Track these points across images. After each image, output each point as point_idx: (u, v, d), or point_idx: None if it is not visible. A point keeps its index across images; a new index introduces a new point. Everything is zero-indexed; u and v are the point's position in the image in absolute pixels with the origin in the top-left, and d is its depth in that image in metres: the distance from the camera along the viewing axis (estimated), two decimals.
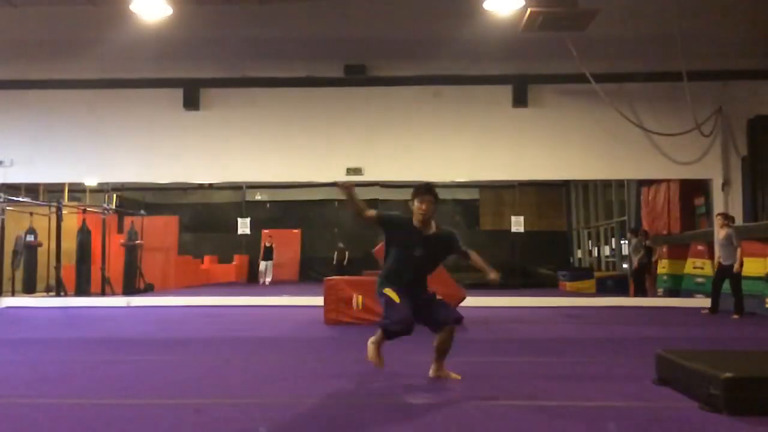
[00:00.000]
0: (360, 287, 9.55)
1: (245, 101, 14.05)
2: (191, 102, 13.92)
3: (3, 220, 13.99)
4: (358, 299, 9.40)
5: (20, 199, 15.93)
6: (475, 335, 8.21)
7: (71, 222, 15.74)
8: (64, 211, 15.25)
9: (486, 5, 11.42)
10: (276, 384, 5.15)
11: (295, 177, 14.91)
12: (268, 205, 25.91)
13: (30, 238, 15.18)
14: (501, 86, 13.70)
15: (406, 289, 5.03)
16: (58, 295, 14.44)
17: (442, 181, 17.93)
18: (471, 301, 10.58)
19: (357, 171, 13.78)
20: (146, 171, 14.30)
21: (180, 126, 14.01)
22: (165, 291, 17.05)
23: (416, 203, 5.12)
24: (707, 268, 13.06)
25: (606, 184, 20.47)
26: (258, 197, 25.37)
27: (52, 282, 15.19)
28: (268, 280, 20.85)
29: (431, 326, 5.09)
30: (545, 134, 13.67)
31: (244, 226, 17.02)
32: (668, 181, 15.76)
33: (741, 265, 10.51)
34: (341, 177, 13.99)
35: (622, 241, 19.32)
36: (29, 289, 15.18)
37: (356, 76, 13.75)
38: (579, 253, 24.27)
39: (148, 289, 16.60)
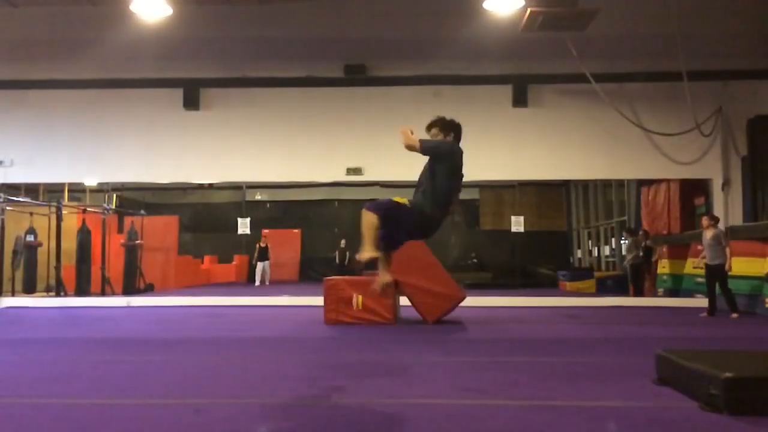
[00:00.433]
0: (360, 287, 9.55)
1: (245, 101, 14.05)
2: (191, 102, 13.93)
3: (3, 220, 13.98)
4: (358, 299, 9.40)
5: (20, 199, 15.92)
6: (475, 335, 8.21)
7: (71, 222, 15.74)
8: (64, 211, 15.25)
9: (486, 5, 11.42)
10: (276, 384, 5.15)
11: (295, 177, 14.92)
12: (268, 205, 25.91)
13: (30, 238, 15.17)
14: (501, 86, 13.71)
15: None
16: (58, 295, 14.44)
17: None
18: (471, 301, 10.57)
19: (357, 171, 13.79)
20: (146, 171, 14.30)
21: (180, 126, 14.01)
22: (165, 291, 17.05)
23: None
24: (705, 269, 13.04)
25: (606, 183, 20.46)
26: (258, 197, 25.36)
27: (52, 282, 15.19)
28: (267, 281, 20.78)
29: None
30: (545, 134, 13.67)
31: (244, 226, 17.02)
32: (668, 180, 15.76)
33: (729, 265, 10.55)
34: (341, 177, 14.03)
35: (622, 241, 19.32)
36: (29, 289, 15.17)
37: (356, 76, 13.76)
38: (579, 253, 24.27)
39: (148, 289, 16.60)
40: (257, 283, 20.64)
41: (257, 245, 20.84)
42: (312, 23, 13.56)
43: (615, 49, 13.12)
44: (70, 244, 15.19)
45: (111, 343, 7.72)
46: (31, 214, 15.47)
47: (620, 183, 19.31)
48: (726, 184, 13.44)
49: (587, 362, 6.15)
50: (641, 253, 14.82)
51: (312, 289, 14.66)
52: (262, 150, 13.96)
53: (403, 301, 10.21)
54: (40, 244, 15.36)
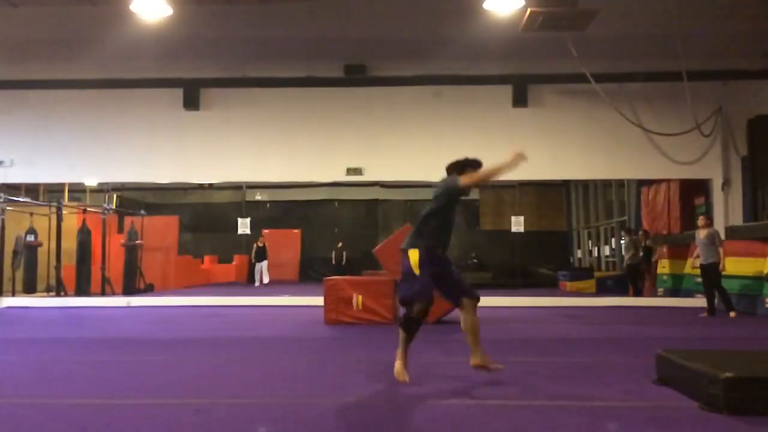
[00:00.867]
0: (360, 287, 9.56)
1: (245, 101, 14.05)
2: (191, 102, 13.93)
3: (3, 220, 13.99)
4: (358, 299, 9.41)
5: (20, 199, 15.93)
6: None
7: (71, 222, 15.75)
8: (64, 211, 15.26)
9: (486, 5, 11.42)
10: (276, 384, 5.15)
11: (296, 177, 14.93)
12: (268, 205, 25.91)
13: (30, 238, 15.18)
14: (501, 86, 13.71)
15: (436, 246, 5.15)
16: (58, 295, 14.45)
17: None
18: None
19: (357, 171, 13.79)
20: (146, 171, 14.30)
21: (180, 126, 14.01)
22: (165, 291, 17.06)
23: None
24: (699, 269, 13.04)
25: (606, 183, 20.47)
26: (258, 197, 25.36)
27: (53, 282, 15.20)
28: (266, 280, 20.75)
29: (453, 297, 5.17)
30: (545, 134, 13.67)
31: (244, 226, 17.02)
32: (668, 180, 15.76)
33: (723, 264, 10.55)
34: (341, 177, 14.03)
35: (622, 241, 19.32)
36: (29, 289, 15.18)
37: (356, 76, 13.76)
38: (579, 253, 24.27)
39: (148, 289, 16.60)
40: (257, 283, 20.62)
41: (255, 245, 20.82)
42: (312, 23, 13.56)
43: (615, 49, 13.12)
44: (70, 244, 15.20)
45: (111, 343, 7.72)
46: (32, 214, 15.49)
47: (620, 183, 19.31)
48: (726, 184, 13.44)
49: (587, 362, 6.15)
50: (640, 253, 14.82)
51: (312, 289, 14.67)
52: (262, 150, 13.96)
53: None
54: (41, 244, 15.36)
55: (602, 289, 16.73)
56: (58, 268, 14.68)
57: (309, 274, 24.12)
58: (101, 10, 13.00)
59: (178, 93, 13.95)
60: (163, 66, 13.86)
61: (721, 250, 10.54)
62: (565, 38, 12.03)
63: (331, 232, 24.96)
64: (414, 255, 5.06)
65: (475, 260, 23.46)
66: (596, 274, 18.58)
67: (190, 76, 13.90)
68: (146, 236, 17.23)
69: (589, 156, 13.73)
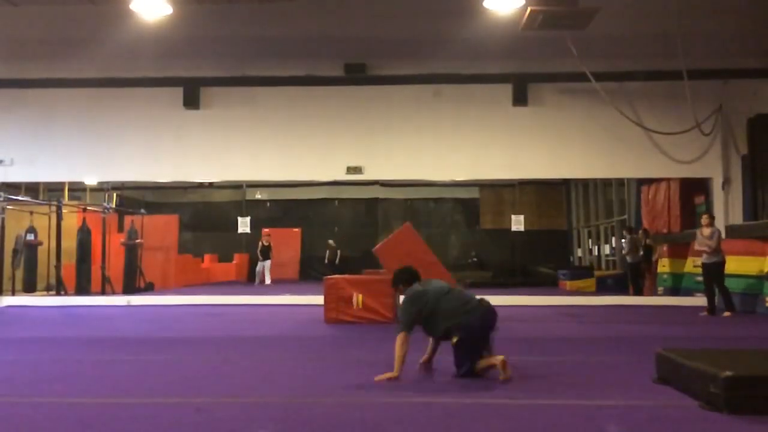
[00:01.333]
0: (360, 286, 9.55)
1: (245, 100, 14.05)
2: (191, 101, 13.92)
3: (3, 219, 13.99)
4: (358, 298, 9.41)
5: (20, 198, 15.93)
6: None
7: (71, 221, 15.73)
8: (64, 210, 15.25)
9: (486, 4, 11.40)
10: (276, 384, 5.15)
11: (296, 176, 14.93)
12: (268, 204, 25.89)
13: (30, 237, 15.17)
14: (501, 85, 13.70)
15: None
16: (58, 294, 14.45)
17: (442, 181, 18.02)
18: None
19: (357, 170, 13.79)
20: (146, 170, 14.30)
21: (180, 125, 14.01)
22: (165, 290, 17.05)
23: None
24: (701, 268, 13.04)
25: (606, 182, 20.46)
26: (258, 196, 25.35)
27: (53, 281, 15.19)
28: (267, 281, 20.72)
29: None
30: (545, 133, 13.67)
31: (244, 225, 17.02)
32: (668, 179, 15.75)
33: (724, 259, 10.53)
34: (341, 176, 14.03)
35: (622, 240, 19.33)
36: (29, 288, 15.17)
37: (356, 75, 13.75)
38: (579, 252, 24.27)
39: (148, 288, 16.60)
40: (257, 282, 20.61)
41: (260, 243, 20.80)
42: (312, 22, 13.56)
43: (615, 48, 13.11)
44: (70, 243, 15.19)
45: (111, 343, 7.72)
46: (32, 213, 15.47)
47: (620, 182, 19.31)
48: (726, 182, 13.44)
49: (587, 362, 6.15)
50: (641, 252, 14.82)
51: (312, 288, 14.66)
52: (263, 149, 13.96)
53: None
54: (41, 243, 15.36)
55: (602, 288, 16.73)
56: (58, 267, 14.68)
57: (309, 273, 24.11)
58: (101, 9, 12.99)
59: (178, 92, 13.94)
60: (163, 65, 13.86)
61: (713, 246, 10.51)
62: (565, 37, 12.02)
63: (331, 231, 24.96)
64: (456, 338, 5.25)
65: (475, 259, 23.47)
66: (596, 273, 18.58)
67: (190, 75, 13.89)
68: (146, 235, 17.21)
69: (589, 155, 13.73)
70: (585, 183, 22.16)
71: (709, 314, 10.68)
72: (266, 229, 22.15)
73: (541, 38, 12.39)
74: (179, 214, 21.36)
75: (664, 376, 4.85)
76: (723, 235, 11.53)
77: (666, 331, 9.01)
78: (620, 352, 6.81)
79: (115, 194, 20.88)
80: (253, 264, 23.46)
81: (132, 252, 16.13)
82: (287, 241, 24.16)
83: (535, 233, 21.28)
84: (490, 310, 5.36)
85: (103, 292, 15.13)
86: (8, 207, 14.60)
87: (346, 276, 10.23)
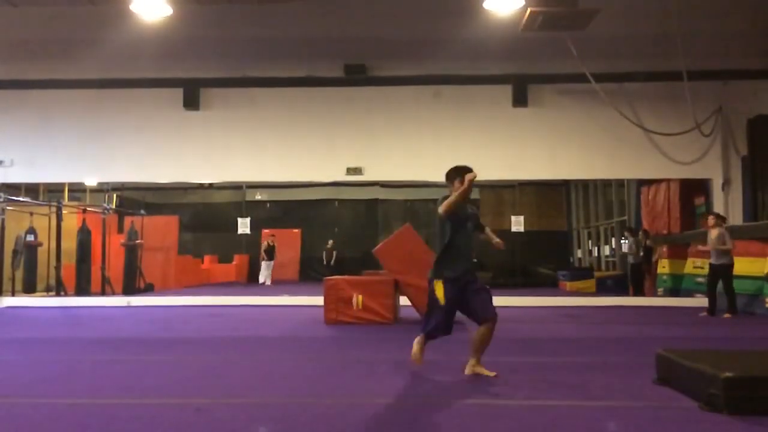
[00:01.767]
0: (360, 287, 9.55)
1: (245, 101, 14.06)
2: (191, 102, 13.93)
3: (3, 219, 13.99)
4: (357, 299, 9.40)
5: (20, 198, 15.92)
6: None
7: (71, 222, 15.74)
8: (64, 211, 15.26)
9: (486, 5, 11.42)
10: (276, 384, 5.15)
11: (296, 177, 14.93)
12: (268, 205, 25.88)
13: (30, 237, 15.17)
14: (501, 86, 13.72)
15: (459, 276, 5.18)
16: (58, 294, 14.45)
17: (442, 181, 18.01)
18: None
19: (357, 171, 13.79)
20: (146, 171, 14.31)
21: (180, 126, 14.02)
22: (165, 291, 17.05)
23: (458, 183, 5.47)
24: (708, 268, 13.05)
25: (606, 183, 20.45)
26: (258, 197, 25.33)
27: (52, 282, 15.19)
28: (268, 282, 20.71)
29: (474, 318, 5.28)
30: (545, 134, 13.68)
31: (244, 225, 17.00)
32: (668, 180, 15.76)
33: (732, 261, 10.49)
34: (341, 177, 14.04)
35: (622, 241, 19.32)
36: (29, 288, 15.17)
37: (356, 76, 13.77)
38: (579, 253, 24.26)
39: (148, 289, 16.60)
40: (262, 280, 20.59)
41: (266, 243, 20.76)
42: (312, 23, 13.57)
43: (615, 49, 13.13)
44: (70, 243, 15.19)
45: (111, 343, 7.72)
46: (32, 213, 15.47)
47: (620, 183, 19.31)
48: (726, 183, 13.44)
49: (587, 362, 6.14)
50: (641, 253, 14.82)
51: (312, 289, 14.66)
52: (262, 150, 13.97)
53: (403, 301, 10.21)
54: (40, 244, 15.35)
55: (602, 289, 16.73)
56: (58, 267, 14.68)
57: (309, 273, 24.10)
58: (101, 10, 13.01)
59: (178, 93, 13.95)
60: (163, 66, 13.87)
61: (728, 247, 10.45)
62: (565, 38, 12.03)
63: (331, 231, 24.95)
64: (439, 288, 5.17)
65: (475, 260, 23.36)
66: (596, 273, 18.58)
67: (190, 76, 13.91)
68: (146, 236, 17.22)
69: (589, 156, 13.74)
70: (585, 184, 22.15)
71: (709, 314, 10.66)
72: (267, 230, 22.15)
73: (541, 39, 12.41)
74: (179, 215, 21.35)
75: (664, 376, 4.84)
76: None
77: (666, 331, 9.01)
78: (620, 353, 6.80)
79: (115, 195, 20.89)
80: (253, 265, 23.44)
81: (132, 253, 16.13)
82: (287, 242, 24.15)
83: (535, 234, 21.26)
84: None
85: (103, 293, 15.13)
86: (8, 208, 14.60)
87: (346, 277, 10.22)
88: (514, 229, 16.61)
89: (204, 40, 13.64)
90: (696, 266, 13.67)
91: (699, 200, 14.98)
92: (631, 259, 15.03)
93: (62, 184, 18.04)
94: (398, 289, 9.71)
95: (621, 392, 4.71)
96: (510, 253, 21.35)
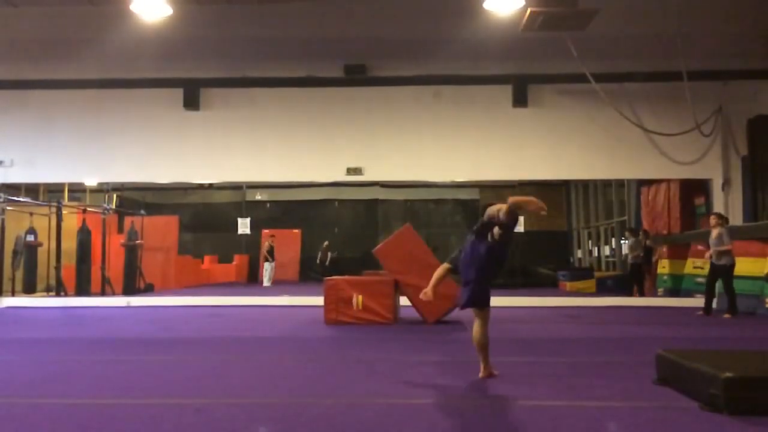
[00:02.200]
0: (360, 287, 9.55)
1: (245, 101, 14.06)
2: (191, 102, 13.93)
3: (3, 220, 13.99)
4: (358, 299, 9.40)
5: (20, 199, 15.93)
6: None
7: (71, 222, 15.74)
8: (64, 211, 15.26)
9: (486, 5, 11.42)
10: (276, 384, 5.15)
11: (295, 177, 14.92)
12: (268, 205, 25.90)
13: (30, 238, 15.18)
14: (501, 86, 13.71)
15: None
16: (58, 295, 14.45)
17: (442, 181, 18.02)
18: None
19: (357, 171, 13.79)
20: (146, 171, 14.30)
21: (180, 126, 14.01)
22: (165, 291, 17.05)
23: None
24: (708, 268, 13.04)
25: (606, 183, 20.46)
26: (258, 197, 25.35)
27: (52, 282, 15.19)
28: (267, 282, 20.67)
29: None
30: (545, 134, 13.68)
31: (244, 226, 17.02)
32: (668, 180, 15.76)
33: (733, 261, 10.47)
34: (341, 177, 14.04)
35: (622, 241, 19.33)
36: (29, 289, 15.17)
37: (356, 76, 13.76)
38: (579, 253, 24.28)
39: (148, 289, 16.60)
40: (266, 282, 20.50)
41: (268, 244, 20.75)
42: (312, 23, 13.57)
43: (615, 49, 13.12)
44: (70, 244, 15.20)
45: (111, 343, 7.72)
46: (32, 214, 15.48)
47: (620, 183, 19.31)
48: (726, 184, 13.44)
49: (587, 362, 6.14)
50: (642, 253, 14.81)
51: (312, 289, 14.66)
52: (262, 150, 13.96)
53: (403, 301, 10.21)
54: (40, 244, 15.36)
55: (602, 289, 16.73)
56: (58, 268, 14.68)
57: (309, 274, 24.13)
58: (101, 10, 13.01)
59: (178, 93, 13.95)
60: (163, 66, 13.87)
61: (728, 248, 10.43)
62: (565, 38, 12.03)
63: (331, 232, 24.96)
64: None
65: None
66: (596, 274, 18.58)
67: (190, 76, 13.90)
68: (146, 236, 17.23)
69: (589, 156, 13.73)
70: (585, 184, 22.17)
71: (705, 314, 10.65)
72: (267, 230, 22.15)
73: (541, 39, 12.40)
74: (179, 215, 21.36)
75: (664, 377, 4.84)
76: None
77: (666, 331, 9.01)
78: (620, 353, 6.80)
79: (115, 195, 20.91)
80: (253, 265, 23.44)
81: (132, 253, 16.14)
82: (287, 242, 24.16)
83: (535, 234, 21.26)
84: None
85: (102, 293, 15.14)
86: (8, 208, 14.60)
87: (346, 277, 10.21)
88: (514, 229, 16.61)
89: (204, 40, 13.64)
90: (696, 266, 13.67)
91: (699, 200, 14.98)
92: (630, 259, 15.02)
93: (62, 185, 18.05)
94: (398, 289, 9.71)
95: (621, 392, 4.71)
96: (510, 253, 21.37)
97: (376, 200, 24.91)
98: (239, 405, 4.31)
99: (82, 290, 14.92)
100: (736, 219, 13.19)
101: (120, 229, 17.94)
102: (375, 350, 7.06)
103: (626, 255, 15.64)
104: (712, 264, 10.69)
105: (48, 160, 14.10)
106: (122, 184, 19.63)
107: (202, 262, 23.04)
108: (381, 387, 4.96)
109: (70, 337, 8.44)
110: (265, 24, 13.50)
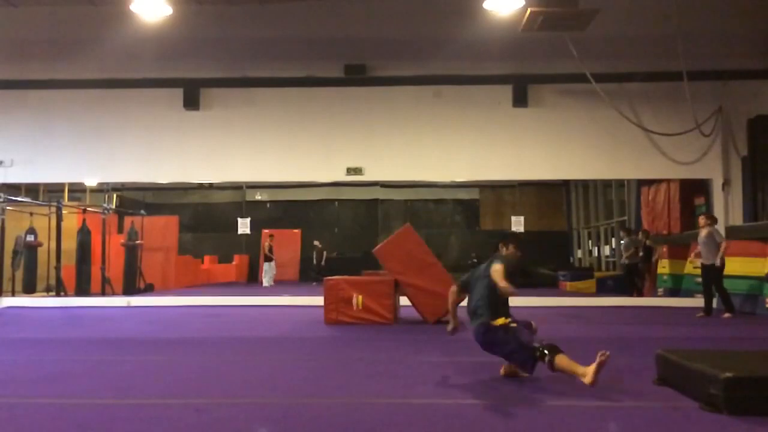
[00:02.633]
0: (360, 287, 9.55)
1: (245, 101, 14.05)
2: (191, 102, 13.92)
3: (3, 220, 13.98)
4: (358, 299, 9.40)
5: (20, 199, 15.92)
6: None
7: (71, 222, 15.74)
8: (64, 211, 15.26)
9: (486, 5, 11.42)
10: (276, 384, 5.15)
11: (295, 177, 14.92)
12: (268, 205, 25.92)
13: (30, 238, 15.17)
14: (501, 86, 13.70)
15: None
16: (58, 295, 14.44)
17: (442, 181, 18.03)
18: None
19: (357, 171, 13.79)
20: (146, 171, 14.29)
21: (180, 126, 14.00)
22: (165, 291, 17.05)
23: (513, 248, 5.95)
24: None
25: (606, 183, 20.47)
26: (258, 197, 25.38)
27: (52, 282, 15.19)
28: (266, 283, 20.65)
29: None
30: (545, 134, 13.67)
31: (244, 226, 17.00)
32: (668, 180, 15.75)
33: (722, 262, 10.45)
34: (341, 177, 14.04)
35: (622, 241, 19.34)
36: (29, 289, 15.17)
37: (356, 76, 13.75)
38: (579, 253, 24.28)
39: (148, 289, 16.60)
40: (267, 283, 20.45)
41: (269, 244, 20.73)
42: (312, 23, 13.57)
43: (615, 49, 13.13)
44: (70, 244, 15.19)
45: (111, 343, 7.72)
46: (32, 214, 15.48)
47: (620, 183, 19.31)
48: (726, 184, 13.43)
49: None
50: (640, 253, 14.79)
51: (312, 289, 14.66)
52: (263, 150, 13.96)
53: (403, 301, 10.21)
54: (40, 244, 15.36)
55: (602, 289, 16.72)
56: (58, 268, 14.68)
57: (309, 274, 24.13)
58: (101, 10, 13.02)
59: (179, 93, 13.94)
60: (163, 66, 13.86)
61: (722, 246, 10.40)
62: (565, 38, 12.03)
63: (331, 232, 24.96)
64: (501, 320, 5.33)
65: (475, 260, 23.43)
66: (596, 274, 18.58)
67: (190, 76, 13.89)
68: (146, 236, 17.23)
69: (589, 156, 13.73)
70: (585, 184, 22.17)
71: (705, 315, 10.65)
72: (267, 230, 22.14)
73: (541, 39, 12.41)
74: (179, 215, 21.37)
75: (664, 377, 4.84)
76: (723, 235, 11.43)
77: (666, 332, 9.01)
78: (620, 353, 6.78)
79: (115, 195, 20.90)
80: (253, 265, 23.41)
81: (132, 253, 16.14)
82: (287, 242, 24.17)
83: (535, 234, 21.28)
84: (476, 330, 5.27)
85: (103, 293, 15.14)
86: (8, 208, 14.60)
87: (346, 277, 10.21)
88: (514, 229, 16.61)
89: (204, 40, 13.64)
90: (696, 267, 13.67)
91: (699, 200, 14.97)
92: (623, 260, 14.96)
93: (62, 184, 18.05)
94: (398, 289, 9.71)
95: (621, 392, 4.71)
96: None
97: (376, 200, 24.93)
98: (239, 405, 4.31)
99: (82, 290, 14.92)
100: (736, 219, 13.19)
101: (120, 229, 17.94)
102: (375, 350, 7.06)
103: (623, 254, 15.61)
104: (702, 265, 10.70)
105: (48, 160, 14.09)
106: (122, 184, 19.65)
107: (202, 262, 23.03)
108: (381, 387, 4.96)
109: (70, 337, 8.44)
110: (265, 24, 13.50)
